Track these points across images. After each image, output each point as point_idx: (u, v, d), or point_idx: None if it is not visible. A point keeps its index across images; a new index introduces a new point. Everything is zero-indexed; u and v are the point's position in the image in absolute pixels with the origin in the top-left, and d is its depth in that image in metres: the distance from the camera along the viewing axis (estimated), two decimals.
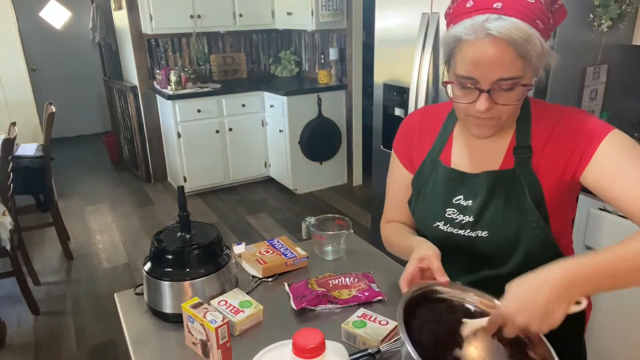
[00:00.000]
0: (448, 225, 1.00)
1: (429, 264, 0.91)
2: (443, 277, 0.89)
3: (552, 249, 0.95)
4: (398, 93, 2.48)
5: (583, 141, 0.87)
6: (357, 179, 4.67)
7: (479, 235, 0.97)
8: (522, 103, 0.94)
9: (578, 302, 0.75)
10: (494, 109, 0.85)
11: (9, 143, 2.60)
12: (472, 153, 0.99)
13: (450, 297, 0.90)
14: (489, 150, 0.97)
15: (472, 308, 0.89)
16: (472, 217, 0.97)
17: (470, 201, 0.98)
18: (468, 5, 0.82)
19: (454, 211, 0.99)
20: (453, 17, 0.85)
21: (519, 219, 0.93)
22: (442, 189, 1.01)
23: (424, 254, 0.92)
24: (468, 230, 0.98)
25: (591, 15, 1.78)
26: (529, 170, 0.92)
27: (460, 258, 1.03)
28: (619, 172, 0.82)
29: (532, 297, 0.74)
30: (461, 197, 0.99)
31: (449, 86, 0.90)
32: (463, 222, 0.98)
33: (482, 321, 0.82)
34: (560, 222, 0.95)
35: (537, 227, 0.92)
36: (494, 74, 0.81)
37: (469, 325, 0.83)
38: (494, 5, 0.79)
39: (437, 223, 1.02)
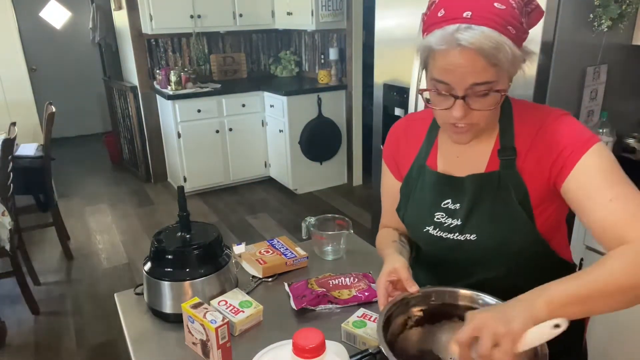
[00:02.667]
0: (437, 229, 1.01)
1: (398, 276, 0.93)
2: (412, 287, 0.91)
3: (543, 249, 0.95)
4: (398, 93, 2.48)
5: (565, 152, 0.86)
6: (357, 179, 4.67)
7: (468, 238, 0.97)
8: (504, 104, 0.94)
9: (557, 326, 0.72)
10: (470, 115, 0.86)
11: (9, 143, 2.60)
12: (457, 156, 1.00)
13: (424, 307, 0.92)
14: (475, 153, 0.97)
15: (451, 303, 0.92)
16: (460, 220, 0.97)
17: (458, 205, 0.98)
18: (439, 14, 0.82)
19: (442, 215, 1.00)
20: (427, 26, 0.85)
21: (507, 221, 0.93)
22: (430, 194, 1.02)
23: (392, 267, 0.94)
24: (457, 234, 0.98)
25: (591, 15, 1.78)
26: (514, 172, 0.92)
27: (452, 262, 1.03)
28: (593, 189, 0.82)
29: (492, 311, 0.76)
30: (449, 200, 0.99)
31: (425, 93, 0.90)
32: (452, 225, 0.99)
33: None
34: (549, 223, 0.94)
35: (524, 228, 0.92)
36: (467, 80, 0.81)
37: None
38: (464, 15, 0.79)
39: (427, 228, 1.02)
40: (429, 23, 0.84)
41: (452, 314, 0.92)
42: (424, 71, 0.91)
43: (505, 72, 0.83)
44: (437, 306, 0.92)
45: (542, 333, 0.72)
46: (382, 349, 0.77)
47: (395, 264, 0.95)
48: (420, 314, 0.92)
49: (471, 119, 0.87)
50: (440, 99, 0.87)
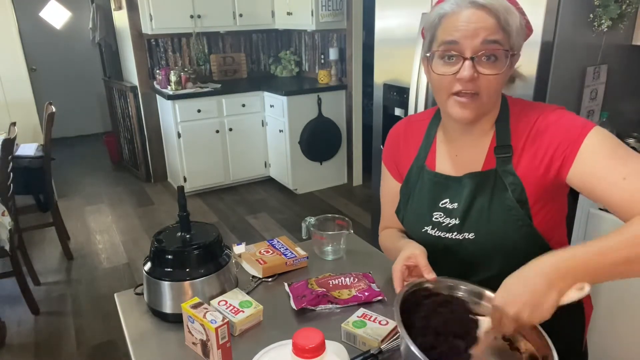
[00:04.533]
0: (436, 229, 1.01)
1: (416, 262, 0.93)
2: (430, 274, 0.91)
3: (541, 248, 0.95)
4: (398, 93, 2.48)
5: (565, 140, 0.86)
6: (357, 179, 4.67)
7: (466, 237, 0.97)
8: (501, 103, 0.96)
9: (581, 289, 0.74)
10: (476, 81, 0.86)
11: (9, 143, 2.60)
12: (456, 154, 1.00)
13: (441, 292, 0.91)
14: (472, 152, 0.98)
15: (463, 298, 0.91)
16: (458, 219, 0.98)
17: (456, 204, 0.98)
18: None
19: (440, 214, 1.00)
20: (439, 1, 0.89)
21: (504, 218, 0.93)
22: (429, 194, 1.02)
23: (411, 252, 0.94)
24: (455, 233, 0.98)
25: (591, 15, 1.78)
26: (510, 170, 0.92)
27: (451, 262, 1.03)
28: (604, 169, 0.82)
29: (522, 288, 0.75)
30: (447, 200, 0.99)
31: (433, 61, 0.90)
32: (450, 225, 0.99)
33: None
34: (548, 221, 0.94)
35: (522, 225, 0.92)
36: (478, 35, 0.83)
37: (483, 324, 0.82)
38: None
39: (425, 228, 1.02)
40: None
41: (464, 307, 0.91)
42: (427, 54, 0.91)
43: (513, 41, 0.85)
44: (449, 297, 0.91)
45: (569, 298, 0.74)
46: (399, 330, 0.76)
47: (415, 250, 0.95)
48: (436, 298, 0.91)
49: (477, 86, 0.87)
50: (448, 64, 0.87)
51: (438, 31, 0.87)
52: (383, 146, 1.17)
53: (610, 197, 0.81)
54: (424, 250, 0.95)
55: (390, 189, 1.14)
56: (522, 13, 0.88)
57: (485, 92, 0.88)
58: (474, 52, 0.84)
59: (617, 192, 0.80)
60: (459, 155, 1.00)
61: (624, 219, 0.80)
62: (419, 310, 0.86)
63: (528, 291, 0.74)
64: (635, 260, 0.73)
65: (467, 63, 0.84)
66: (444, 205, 1.00)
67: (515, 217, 0.92)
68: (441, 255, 1.03)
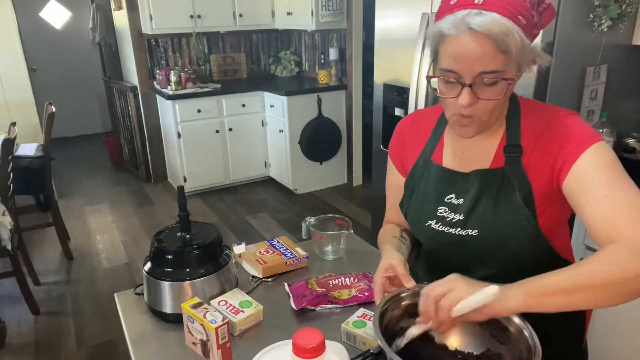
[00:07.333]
0: (440, 223, 1.01)
1: (394, 272, 0.93)
2: (409, 283, 0.92)
3: (543, 247, 0.95)
4: (398, 93, 2.48)
5: (566, 149, 0.87)
6: (357, 179, 4.68)
7: (470, 233, 0.97)
8: (511, 102, 0.96)
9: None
10: (476, 105, 0.86)
11: (9, 143, 2.60)
12: (463, 151, 1.00)
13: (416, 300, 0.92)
14: (480, 149, 0.98)
15: None
16: (462, 215, 0.98)
17: (462, 199, 0.98)
18: (452, 2, 0.84)
19: (445, 209, 1.00)
20: (439, 14, 0.87)
21: (509, 217, 0.93)
22: (434, 188, 1.02)
23: (389, 263, 0.95)
24: (459, 229, 0.99)
25: (591, 15, 1.78)
26: (519, 169, 0.92)
27: (453, 258, 1.03)
28: (589, 185, 0.83)
29: (454, 276, 0.81)
30: (453, 195, 1.00)
31: (433, 80, 0.91)
32: (454, 220, 0.99)
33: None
34: (551, 221, 0.95)
35: (527, 225, 0.93)
36: (475, 67, 0.82)
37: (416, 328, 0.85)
38: (475, 1, 0.81)
39: (430, 222, 1.02)
40: (441, 11, 0.86)
41: None
42: (432, 62, 0.91)
43: (514, 61, 0.83)
44: None
45: (476, 300, 0.77)
46: (380, 342, 0.77)
47: (391, 260, 0.96)
48: (415, 308, 0.92)
49: (477, 109, 0.87)
50: (448, 87, 0.88)
51: (439, 49, 0.87)
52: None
53: (588, 212, 0.82)
54: (401, 259, 0.96)
55: (394, 182, 1.15)
56: (530, 12, 0.84)
57: (486, 114, 0.89)
58: (472, 80, 0.84)
59: (593, 208, 0.81)
60: (466, 151, 1.00)
61: (594, 237, 0.81)
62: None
63: (455, 278, 0.80)
64: (593, 289, 0.75)
65: (466, 90, 0.85)
66: (449, 200, 1.00)
67: (520, 216, 0.92)
68: (443, 251, 1.04)
